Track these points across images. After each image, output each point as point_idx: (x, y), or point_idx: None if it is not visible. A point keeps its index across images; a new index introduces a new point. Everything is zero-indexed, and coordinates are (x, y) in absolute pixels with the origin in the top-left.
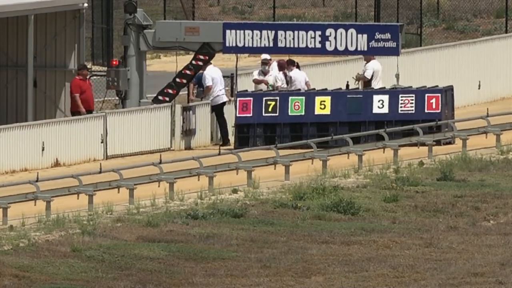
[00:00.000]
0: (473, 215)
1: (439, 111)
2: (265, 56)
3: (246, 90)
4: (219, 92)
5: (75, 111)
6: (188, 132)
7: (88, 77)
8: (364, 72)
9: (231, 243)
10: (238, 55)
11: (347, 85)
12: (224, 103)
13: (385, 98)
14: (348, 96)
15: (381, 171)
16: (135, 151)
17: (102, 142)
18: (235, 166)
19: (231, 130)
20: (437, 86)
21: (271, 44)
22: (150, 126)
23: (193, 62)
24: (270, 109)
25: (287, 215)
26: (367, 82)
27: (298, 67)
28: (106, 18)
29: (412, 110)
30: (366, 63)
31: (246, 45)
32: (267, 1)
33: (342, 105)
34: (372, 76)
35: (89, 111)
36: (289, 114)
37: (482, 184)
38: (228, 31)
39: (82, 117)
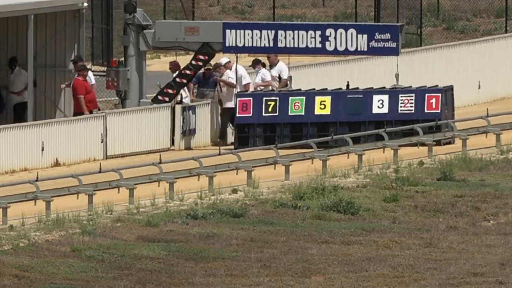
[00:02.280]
0: (473, 215)
1: (439, 111)
2: (224, 59)
3: (246, 90)
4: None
5: (78, 112)
6: (188, 132)
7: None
8: (282, 76)
9: (231, 243)
10: (238, 55)
11: (347, 85)
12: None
13: (385, 98)
14: (348, 96)
15: (381, 171)
16: (135, 151)
17: (102, 142)
18: (235, 166)
19: (231, 130)
20: (437, 86)
21: (271, 44)
22: (150, 126)
23: (193, 62)
24: (270, 109)
25: (287, 215)
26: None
27: (264, 66)
28: (106, 18)
29: (412, 110)
30: (275, 66)
31: (246, 45)
32: (267, 1)
33: (342, 105)
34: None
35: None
36: (289, 114)
37: (482, 184)
38: (228, 31)
39: (82, 117)
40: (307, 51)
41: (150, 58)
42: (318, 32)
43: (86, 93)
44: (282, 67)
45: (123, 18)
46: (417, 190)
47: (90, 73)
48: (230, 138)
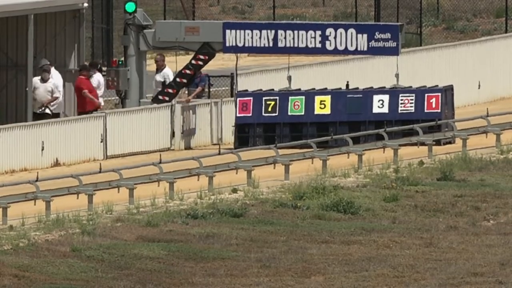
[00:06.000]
0: (473, 215)
1: (439, 110)
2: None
3: (246, 90)
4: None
5: (81, 112)
6: (188, 132)
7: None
8: (167, 80)
9: (231, 243)
10: (238, 54)
11: (347, 85)
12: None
13: (385, 98)
14: (348, 95)
15: (381, 171)
16: (135, 151)
17: (102, 142)
18: (235, 166)
19: (230, 130)
20: (437, 85)
21: (271, 44)
22: (150, 126)
23: (193, 61)
24: (269, 109)
25: (287, 215)
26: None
27: (100, 70)
28: (106, 18)
29: (412, 109)
30: (161, 71)
31: (246, 45)
32: (267, 0)
33: (342, 104)
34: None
35: (94, 110)
36: (289, 113)
37: (482, 184)
38: (228, 31)
39: (82, 117)
40: (307, 50)
41: (150, 58)
42: (318, 32)
43: (89, 91)
44: (168, 73)
45: (123, 18)
46: (417, 190)
47: (99, 75)
48: (229, 137)
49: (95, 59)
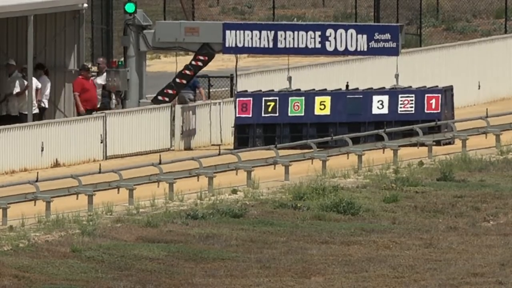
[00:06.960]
0: (473, 215)
1: (438, 111)
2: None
3: (246, 91)
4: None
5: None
6: (187, 132)
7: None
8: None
9: (231, 244)
10: (238, 55)
11: (347, 86)
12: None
13: (385, 98)
14: (348, 96)
15: (381, 172)
16: (135, 151)
17: (101, 143)
18: (235, 166)
19: (230, 130)
20: (436, 86)
21: (271, 45)
22: (150, 126)
23: (193, 62)
24: (269, 110)
25: (287, 215)
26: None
27: (47, 73)
28: (106, 19)
29: (412, 110)
30: (103, 74)
31: (246, 45)
32: (266, 1)
33: (342, 105)
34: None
35: (92, 110)
36: (289, 114)
37: (482, 185)
38: (228, 32)
39: (82, 117)
40: (307, 51)
41: (150, 59)
42: (318, 33)
43: (84, 92)
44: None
45: (123, 18)
46: (416, 191)
47: (44, 77)
48: (229, 138)
49: (95, 59)
